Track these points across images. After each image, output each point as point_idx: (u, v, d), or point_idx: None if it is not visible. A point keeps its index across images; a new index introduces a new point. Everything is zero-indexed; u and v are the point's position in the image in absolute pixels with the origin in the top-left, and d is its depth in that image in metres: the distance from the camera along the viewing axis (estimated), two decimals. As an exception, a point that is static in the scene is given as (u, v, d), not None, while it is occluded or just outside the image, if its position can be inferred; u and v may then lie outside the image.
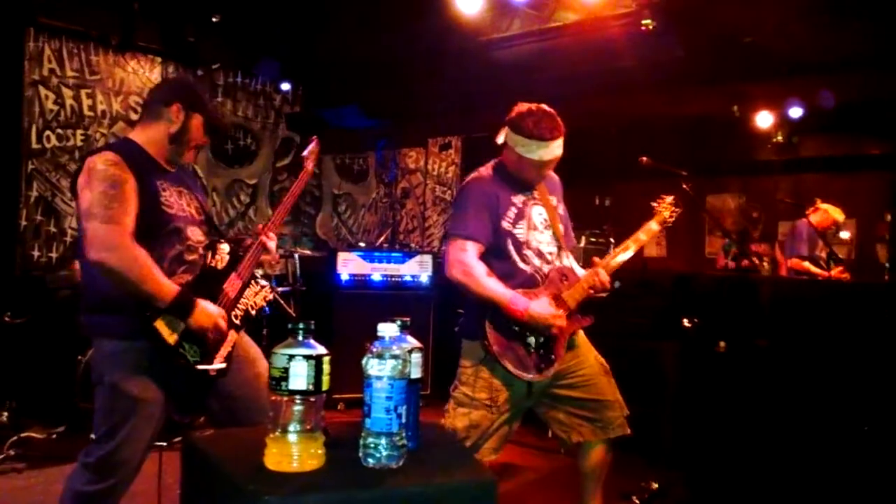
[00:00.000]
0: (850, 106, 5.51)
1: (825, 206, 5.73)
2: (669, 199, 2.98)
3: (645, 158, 3.37)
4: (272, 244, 2.55)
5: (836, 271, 5.17)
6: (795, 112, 5.89)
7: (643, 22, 4.51)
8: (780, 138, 6.76)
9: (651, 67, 4.83)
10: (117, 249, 2.13)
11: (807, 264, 5.60)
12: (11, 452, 3.93)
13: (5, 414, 4.21)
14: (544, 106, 2.68)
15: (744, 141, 6.85)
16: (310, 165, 2.80)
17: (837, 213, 5.73)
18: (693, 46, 4.69)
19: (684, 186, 3.45)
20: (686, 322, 3.83)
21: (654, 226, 2.92)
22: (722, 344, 3.88)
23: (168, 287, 2.19)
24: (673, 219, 2.95)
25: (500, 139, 2.74)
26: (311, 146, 2.83)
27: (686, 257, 8.00)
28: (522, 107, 2.68)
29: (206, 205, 2.53)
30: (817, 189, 6.29)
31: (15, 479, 3.72)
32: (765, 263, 5.85)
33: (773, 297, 4.02)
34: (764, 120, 6.28)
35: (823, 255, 5.68)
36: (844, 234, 6.01)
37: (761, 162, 7.14)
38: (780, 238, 6.88)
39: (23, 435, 4.09)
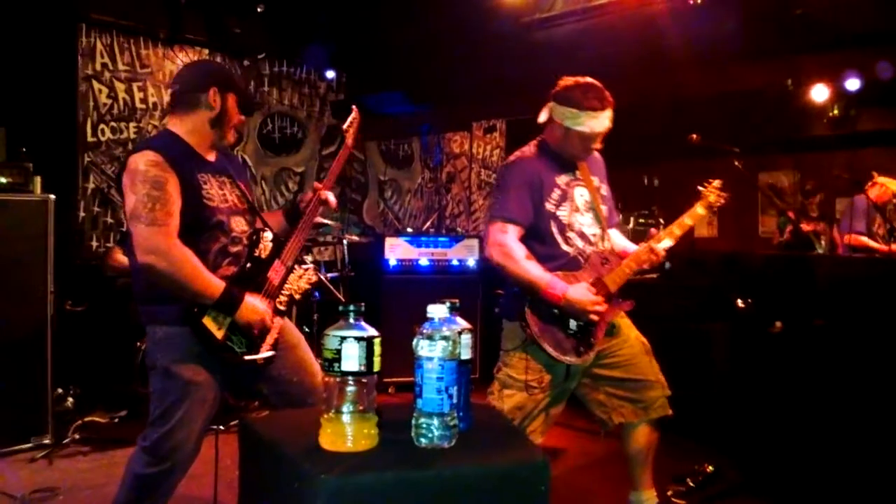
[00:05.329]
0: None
1: (883, 179, 5.53)
2: (717, 182, 2.91)
3: (695, 136, 3.30)
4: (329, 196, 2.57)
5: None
6: (852, 84, 5.68)
7: (690, -4, 4.40)
8: (836, 112, 6.54)
9: (699, 43, 4.71)
10: (162, 252, 2.16)
11: (865, 239, 5.43)
12: (76, 436, 4.08)
13: (70, 399, 4.37)
14: (589, 78, 2.64)
15: (797, 116, 6.65)
16: (350, 139, 2.74)
17: None
18: (743, 19, 4.56)
19: (736, 164, 3.38)
20: (739, 302, 3.75)
21: (699, 210, 2.86)
22: (778, 324, 3.79)
23: (214, 284, 2.22)
24: (719, 203, 2.89)
25: (542, 117, 2.70)
26: (351, 117, 2.76)
27: (738, 237, 7.83)
28: (568, 80, 2.64)
29: (249, 192, 2.53)
30: (876, 164, 6.08)
31: (80, 461, 3.87)
32: (822, 241, 5.70)
33: (831, 275, 3.90)
34: (819, 93, 6.07)
35: (882, 231, 5.49)
36: None
37: (816, 137, 6.92)
38: (838, 216, 6.68)
39: (86, 419, 4.25)
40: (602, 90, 2.61)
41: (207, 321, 2.23)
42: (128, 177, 2.23)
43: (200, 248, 2.27)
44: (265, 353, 2.36)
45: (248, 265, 2.37)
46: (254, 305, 2.28)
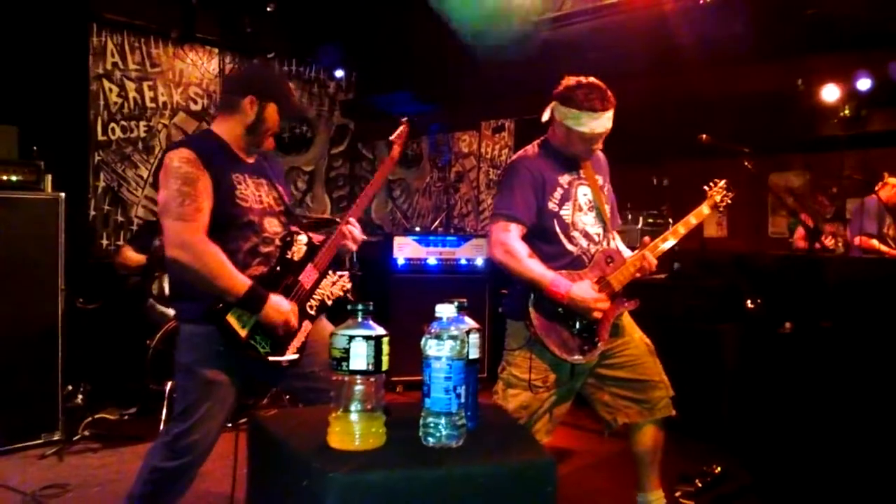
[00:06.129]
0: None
1: (894, 180, 5.50)
2: (722, 182, 2.92)
3: (705, 136, 3.29)
4: (356, 231, 2.56)
5: None
6: (863, 84, 5.64)
7: (700, -5, 4.39)
8: (846, 112, 6.50)
9: (709, 43, 4.70)
10: (189, 247, 2.20)
11: (875, 242, 5.39)
12: (87, 433, 4.11)
13: (80, 396, 4.40)
14: (592, 78, 2.63)
15: (808, 116, 6.60)
16: (396, 151, 2.75)
17: None
18: (753, 20, 4.54)
19: (746, 164, 3.36)
20: (749, 303, 3.74)
21: (705, 209, 2.87)
22: (787, 325, 3.78)
23: (240, 282, 2.24)
24: (725, 203, 2.89)
25: (545, 117, 2.70)
26: (400, 129, 2.77)
27: (748, 237, 7.79)
28: (570, 80, 2.63)
29: (286, 195, 2.55)
30: (888, 165, 6.04)
31: (90, 457, 3.89)
32: (839, 244, 5.67)
33: (840, 276, 3.89)
34: (830, 94, 6.03)
35: (892, 232, 5.46)
36: None
37: (827, 137, 6.88)
38: (849, 217, 6.64)
39: (97, 416, 4.28)
40: (604, 91, 2.59)
41: (231, 319, 2.25)
42: (162, 172, 2.28)
43: (231, 247, 2.29)
44: (290, 356, 2.36)
45: (279, 266, 2.38)
46: (278, 305, 2.29)
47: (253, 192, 2.39)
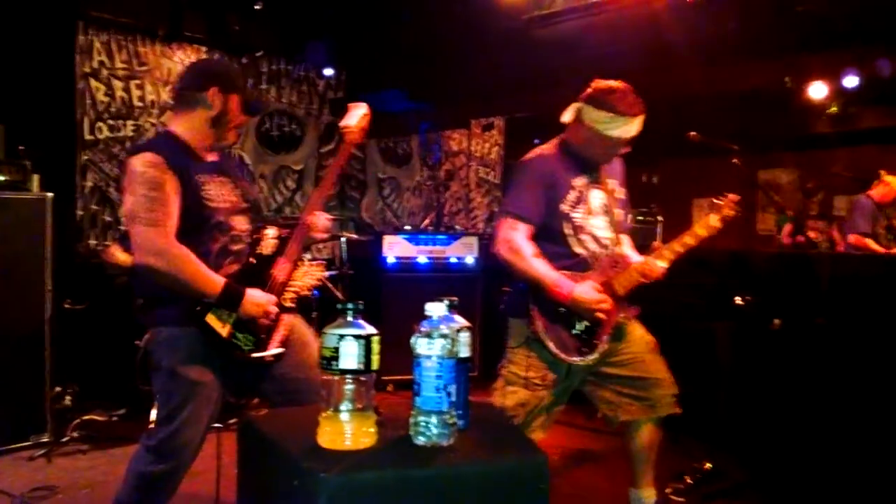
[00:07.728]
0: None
1: (890, 178, 5.51)
2: (733, 196, 2.91)
3: (693, 134, 3.30)
4: (319, 221, 2.54)
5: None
6: (851, 82, 5.68)
7: (691, -7, 4.40)
8: (835, 109, 6.54)
9: (699, 40, 4.72)
10: (162, 252, 2.18)
11: (868, 241, 5.42)
12: (75, 434, 4.08)
13: (68, 397, 4.35)
14: (623, 83, 2.62)
15: (797, 114, 6.63)
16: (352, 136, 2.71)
17: None
18: (744, 17, 4.56)
19: (735, 161, 3.37)
20: (739, 300, 3.75)
21: (713, 221, 2.85)
22: (776, 322, 3.79)
23: (215, 281, 2.23)
24: (731, 217, 2.88)
25: (566, 117, 2.67)
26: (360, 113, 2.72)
27: (737, 234, 7.83)
28: (602, 83, 2.61)
29: (250, 191, 2.53)
30: (876, 162, 6.07)
31: (79, 459, 3.87)
32: (823, 242, 5.69)
33: (832, 273, 3.90)
34: (818, 91, 6.07)
35: (884, 231, 5.49)
36: None
37: (816, 135, 6.91)
38: (836, 214, 6.68)
39: (86, 417, 4.24)
40: (637, 96, 2.59)
41: (211, 319, 2.24)
42: (126, 179, 2.25)
43: (202, 249, 2.28)
44: (274, 350, 2.35)
45: (250, 262, 2.37)
46: (255, 298, 2.28)
47: (218, 192, 2.37)
